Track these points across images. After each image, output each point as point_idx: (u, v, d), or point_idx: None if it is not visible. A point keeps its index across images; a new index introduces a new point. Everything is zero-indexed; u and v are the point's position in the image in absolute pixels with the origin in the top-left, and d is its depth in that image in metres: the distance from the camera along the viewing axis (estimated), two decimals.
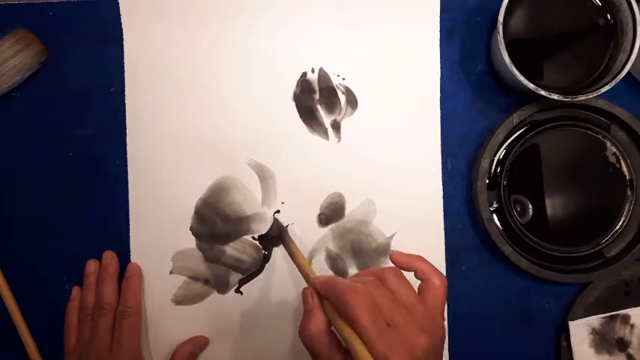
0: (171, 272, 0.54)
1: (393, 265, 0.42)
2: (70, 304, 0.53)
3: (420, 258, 0.42)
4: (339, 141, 0.54)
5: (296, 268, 0.53)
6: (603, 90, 0.48)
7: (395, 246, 0.53)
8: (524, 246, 0.52)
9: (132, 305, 0.51)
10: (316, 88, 0.54)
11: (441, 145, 0.54)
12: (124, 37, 0.53)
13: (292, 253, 0.49)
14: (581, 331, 0.53)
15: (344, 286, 0.38)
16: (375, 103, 0.54)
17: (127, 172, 0.53)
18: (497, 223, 0.53)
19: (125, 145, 0.53)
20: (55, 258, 0.54)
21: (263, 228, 0.54)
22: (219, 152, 0.54)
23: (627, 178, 0.52)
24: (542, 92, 0.47)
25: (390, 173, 0.53)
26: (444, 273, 0.53)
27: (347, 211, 0.54)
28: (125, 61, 0.53)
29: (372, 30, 0.54)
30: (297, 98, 0.54)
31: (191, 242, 0.54)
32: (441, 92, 0.54)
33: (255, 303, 0.53)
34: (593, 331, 0.53)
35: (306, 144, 0.54)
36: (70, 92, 0.54)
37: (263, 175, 0.54)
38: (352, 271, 0.53)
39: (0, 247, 0.53)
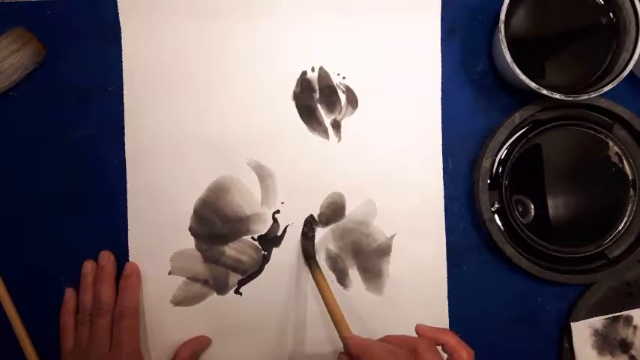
0: (170, 273, 0.53)
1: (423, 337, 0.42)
2: (64, 306, 0.52)
3: (448, 332, 0.42)
4: (339, 140, 0.53)
5: (296, 269, 0.53)
6: (606, 89, 0.47)
7: (396, 246, 0.53)
8: (526, 246, 0.52)
9: (130, 305, 0.51)
10: (316, 87, 0.53)
11: (442, 144, 0.53)
12: (122, 35, 0.53)
13: (326, 301, 0.47)
14: (583, 332, 0.52)
15: (380, 355, 0.38)
16: (375, 103, 0.53)
17: (125, 171, 0.53)
18: (499, 223, 0.52)
19: (123, 144, 0.53)
20: (53, 258, 0.53)
21: (263, 228, 0.53)
22: (219, 152, 0.53)
23: (630, 178, 0.52)
24: (544, 91, 0.47)
25: (391, 173, 0.53)
26: (445, 274, 0.53)
27: (347, 211, 0.53)
28: (123, 60, 0.53)
29: (372, 29, 0.53)
30: (297, 97, 0.53)
31: (190, 242, 0.53)
32: (442, 91, 0.53)
33: (255, 304, 0.53)
34: (596, 333, 0.53)
35: (306, 143, 0.53)
36: (68, 91, 0.53)
37: (262, 174, 0.53)
38: (352, 271, 0.53)
39: None
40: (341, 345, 0.53)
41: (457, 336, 0.42)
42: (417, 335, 0.42)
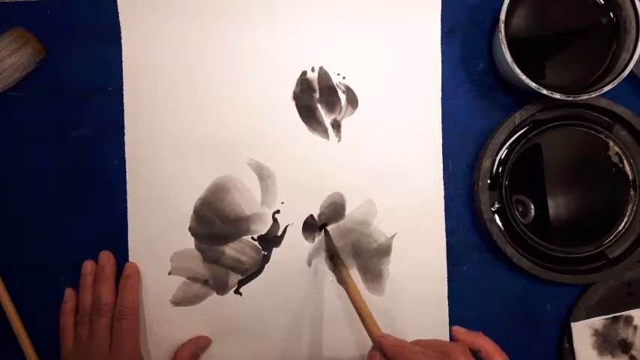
0: (169, 273, 0.53)
1: (456, 341, 0.42)
2: (63, 307, 0.52)
3: (483, 336, 0.42)
4: (339, 140, 0.53)
5: (297, 270, 0.53)
6: (606, 89, 0.47)
7: (396, 247, 0.53)
8: (526, 246, 0.52)
9: (130, 305, 0.51)
10: (316, 86, 0.53)
11: (442, 144, 0.53)
12: (122, 35, 0.53)
13: (353, 298, 0.47)
14: (583, 332, 0.52)
15: (416, 357, 0.38)
16: (375, 103, 0.53)
17: (125, 171, 0.53)
18: (499, 223, 0.52)
19: (123, 144, 0.53)
20: (53, 258, 0.53)
21: (262, 228, 0.53)
22: (219, 152, 0.53)
23: (630, 178, 0.52)
24: (544, 91, 0.47)
25: (391, 173, 0.53)
26: (445, 274, 0.53)
27: (347, 211, 0.53)
28: (123, 59, 0.53)
29: (372, 28, 0.53)
30: (297, 97, 0.53)
31: (190, 243, 0.53)
32: (442, 91, 0.53)
33: (255, 304, 0.53)
34: (596, 333, 0.53)
35: (306, 143, 0.53)
36: (68, 91, 0.53)
37: (262, 174, 0.53)
38: (352, 272, 0.53)
39: None
40: (341, 347, 0.53)
41: (492, 341, 0.42)
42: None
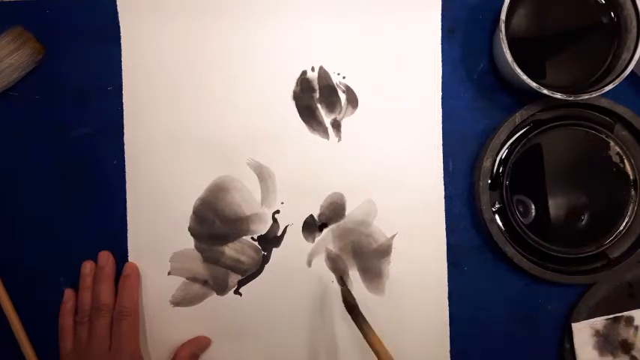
0: (169, 273, 0.53)
1: None
2: (63, 307, 0.52)
3: None
4: (339, 140, 0.53)
5: (297, 270, 0.53)
6: (607, 89, 0.47)
7: (396, 247, 0.53)
8: (527, 246, 0.52)
9: (129, 305, 0.51)
10: (316, 86, 0.53)
11: (443, 144, 0.53)
12: (121, 35, 0.53)
13: (379, 354, 0.44)
14: (584, 333, 0.52)
15: None
16: (375, 102, 0.53)
17: (124, 171, 0.53)
18: (500, 223, 0.52)
19: (123, 144, 0.53)
20: (52, 258, 0.53)
21: (262, 228, 0.53)
22: (218, 152, 0.53)
23: (631, 178, 0.51)
24: (545, 91, 0.47)
25: (391, 173, 0.53)
26: (445, 274, 0.53)
27: (347, 212, 0.53)
28: (123, 59, 0.53)
29: (372, 28, 0.53)
30: (297, 97, 0.53)
31: (190, 243, 0.53)
32: (442, 91, 0.53)
33: (255, 304, 0.53)
34: (597, 333, 0.52)
35: (306, 143, 0.53)
36: (67, 91, 0.53)
37: (262, 174, 0.53)
38: (352, 272, 0.53)
39: None
40: (341, 347, 0.53)
41: None
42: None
